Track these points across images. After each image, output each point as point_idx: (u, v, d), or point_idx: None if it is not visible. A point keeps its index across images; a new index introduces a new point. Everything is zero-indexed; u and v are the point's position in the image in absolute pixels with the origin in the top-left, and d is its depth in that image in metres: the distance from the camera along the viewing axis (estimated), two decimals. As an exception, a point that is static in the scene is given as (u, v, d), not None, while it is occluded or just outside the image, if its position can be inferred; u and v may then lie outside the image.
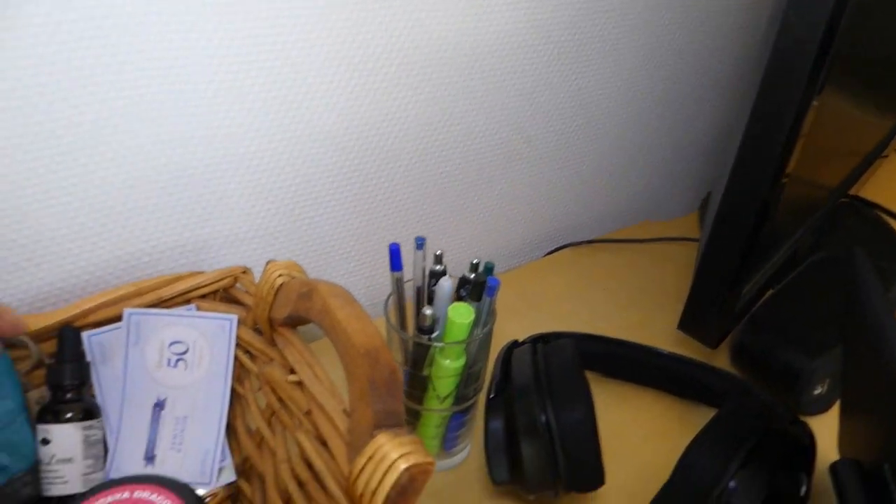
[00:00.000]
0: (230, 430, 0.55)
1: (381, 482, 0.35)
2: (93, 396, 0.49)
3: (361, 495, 0.36)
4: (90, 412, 0.47)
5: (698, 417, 0.64)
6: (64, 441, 0.45)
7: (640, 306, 0.79)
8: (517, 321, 0.72)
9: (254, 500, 0.53)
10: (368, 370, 0.39)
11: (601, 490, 0.56)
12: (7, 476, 0.46)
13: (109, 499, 0.36)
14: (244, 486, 0.54)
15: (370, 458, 0.36)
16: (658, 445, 0.61)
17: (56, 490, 0.46)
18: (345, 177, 0.64)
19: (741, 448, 0.46)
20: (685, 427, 0.63)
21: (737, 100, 0.99)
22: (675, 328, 0.73)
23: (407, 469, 0.35)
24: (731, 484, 0.45)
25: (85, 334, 0.49)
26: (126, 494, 0.36)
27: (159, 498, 0.36)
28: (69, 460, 0.45)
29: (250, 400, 0.54)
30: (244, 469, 0.55)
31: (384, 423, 0.38)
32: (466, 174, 0.74)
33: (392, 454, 0.35)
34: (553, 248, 0.88)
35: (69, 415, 0.45)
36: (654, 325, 0.75)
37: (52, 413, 0.45)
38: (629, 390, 0.67)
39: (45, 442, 0.45)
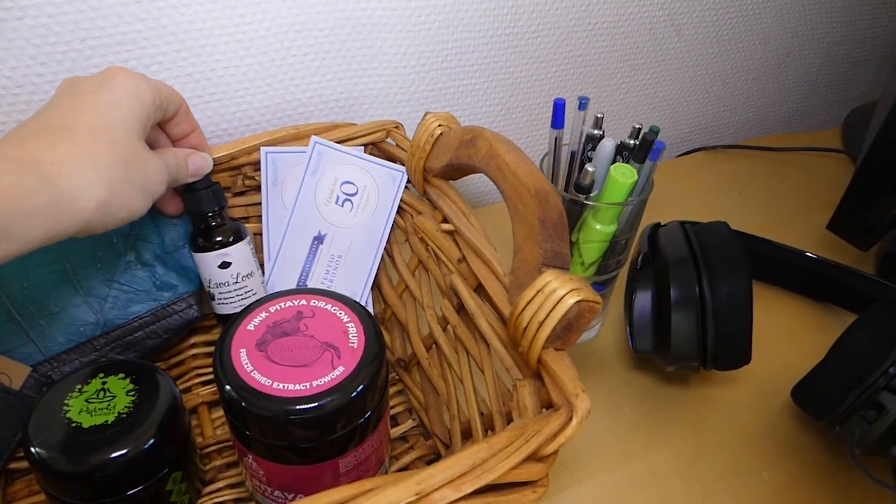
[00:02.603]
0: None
1: (549, 315, 0.35)
2: (234, 219, 0.50)
3: (525, 329, 0.36)
4: (239, 232, 0.48)
5: (836, 321, 0.62)
6: (241, 258, 0.47)
7: (775, 214, 0.76)
8: (646, 220, 0.70)
9: (393, 347, 0.55)
10: (538, 210, 0.39)
11: (740, 372, 0.56)
12: (175, 295, 0.50)
13: (289, 303, 0.38)
14: (384, 334, 0.56)
15: (539, 291, 0.36)
16: (793, 345, 0.59)
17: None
18: (495, 46, 0.63)
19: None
20: (823, 330, 0.61)
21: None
22: (810, 237, 0.70)
23: (577, 303, 0.35)
24: (893, 369, 0.43)
25: (263, 150, 0.50)
26: (304, 301, 0.38)
27: (335, 309, 0.38)
28: (251, 274, 0.48)
29: (395, 252, 0.55)
30: (384, 318, 0.57)
31: (552, 262, 0.39)
32: (611, 59, 0.71)
33: (561, 289, 0.35)
34: (686, 151, 0.85)
35: (230, 238, 0.47)
36: (789, 234, 0.72)
37: (227, 232, 0.47)
38: (761, 289, 0.65)
39: (226, 265, 0.47)
